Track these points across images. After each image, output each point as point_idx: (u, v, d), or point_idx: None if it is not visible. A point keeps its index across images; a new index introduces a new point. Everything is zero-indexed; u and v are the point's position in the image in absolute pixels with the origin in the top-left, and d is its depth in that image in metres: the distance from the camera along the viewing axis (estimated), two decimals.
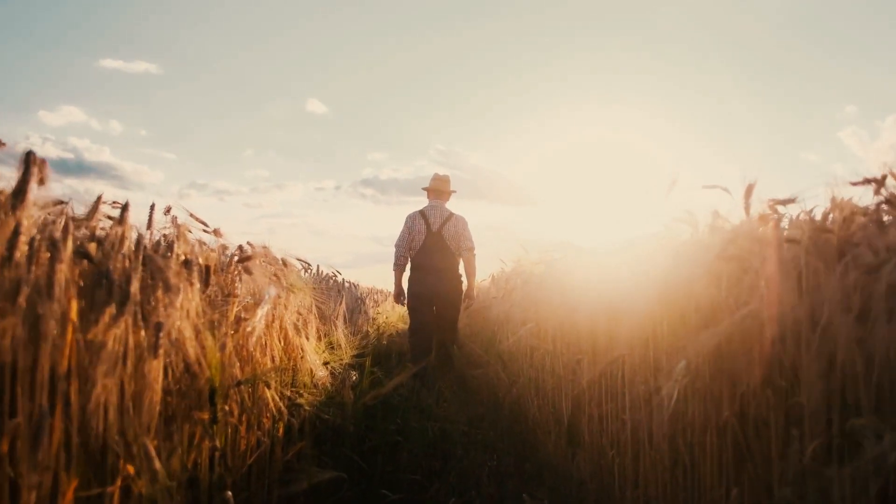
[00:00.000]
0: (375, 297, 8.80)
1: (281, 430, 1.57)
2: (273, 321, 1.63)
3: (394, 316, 6.99)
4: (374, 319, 5.75)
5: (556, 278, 2.13)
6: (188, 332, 0.99)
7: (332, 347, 2.58)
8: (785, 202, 1.03)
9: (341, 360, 2.45)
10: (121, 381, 0.83)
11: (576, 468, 2.01)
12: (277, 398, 1.46)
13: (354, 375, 2.72)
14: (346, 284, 4.55)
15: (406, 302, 3.81)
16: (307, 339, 2.04)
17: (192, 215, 1.59)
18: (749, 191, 1.07)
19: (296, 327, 1.61)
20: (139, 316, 0.93)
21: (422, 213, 3.72)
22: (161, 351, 0.89)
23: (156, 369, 0.88)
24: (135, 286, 0.94)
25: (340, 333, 2.56)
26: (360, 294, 6.03)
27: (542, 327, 2.21)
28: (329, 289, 3.19)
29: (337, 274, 3.83)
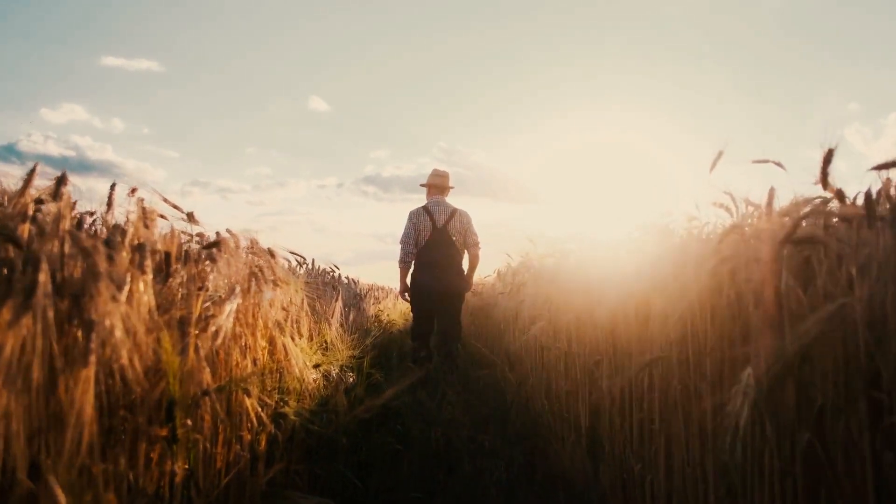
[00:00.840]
0: (376, 293, 8.61)
1: (263, 444, 1.38)
2: (255, 319, 1.44)
3: (395, 313, 6.80)
4: (375, 317, 5.56)
5: (570, 272, 1.93)
6: (140, 332, 0.80)
7: (327, 347, 2.39)
8: None
9: (336, 361, 2.26)
10: (32, 398, 0.63)
11: (596, 480, 1.81)
12: (258, 407, 1.27)
13: (352, 377, 2.52)
14: (345, 280, 4.36)
15: (409, 297, 3.75)
16: (298, 338, 1.85)
17: (164, 199, 1.40)
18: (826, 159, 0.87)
19: (281, 326, 1.42)
20: (69, 313, 0.74)
21: (426, 209, 3.67)
22: (92, 357, 0.70)
23: (85, 380, 0.69)
24: (64, 274, 0.74)
25: (335, 332, 2.37)
26: (360, 290, 5.85)
27: (555, 325, 2.02)
28: (325, 284, 3.00)
29: (334, 269, 3.63)
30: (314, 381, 1.50)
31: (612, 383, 1.50)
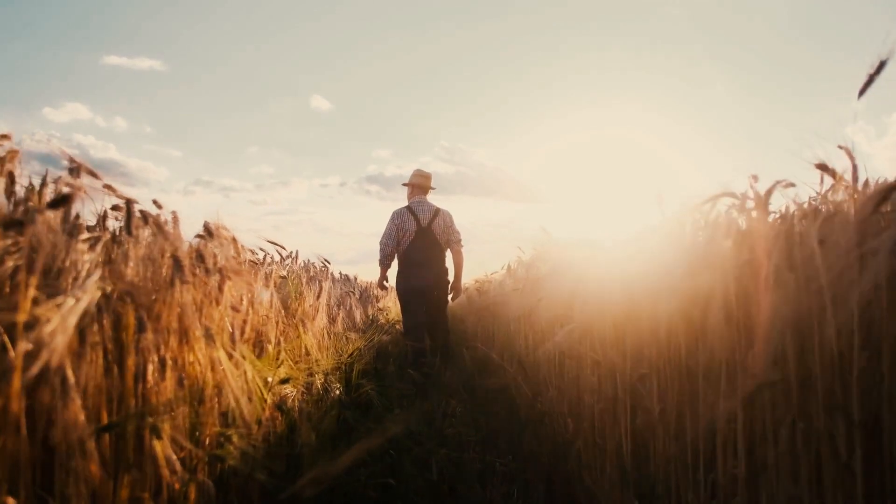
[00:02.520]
0: (377, 293, 8.20)
1: (192, 498, 0.97)
2: (186, 324, 1.04)
3: (394, 312, 6.40)
4: (371, 318, 5.16)
5: (608, 265, 1.53)
6: None
7: (309, 353, 1.99)
8: None
9: (317, 370, 1.86)
10: None
11: None
12: (172, 452, 0.86)
13: (338, 390, 2.13)
14: (339, 276, 3.96)
15: (398, 297, 3.83)
16: (259, 346, 1.45)
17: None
18: None
19: (210, 334, 1.01)
20: None
21: (409, 209, 3.71)
22: None
23: None
24: None
25: (316, 336, 1.96)
26: (359, 287, 5.45)
27: (587, 329, 1.61)
28: (310, 280, 2.60)
29: (325, 263, 3.23)
30: (264, 407, 1.09)
31: (721, 412, 1.09)
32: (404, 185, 3.89)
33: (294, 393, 1.51)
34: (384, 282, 3.84)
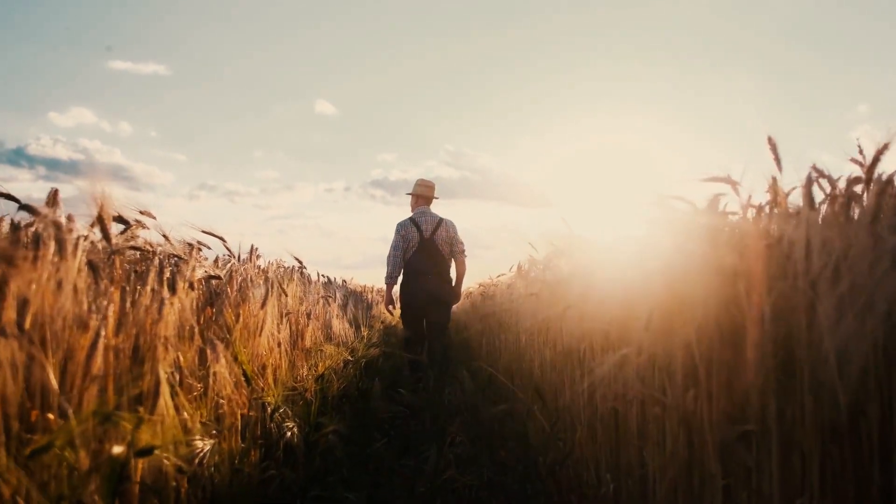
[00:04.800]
0: (376, 296, 7.66)
1: None
2: None
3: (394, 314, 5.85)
4: (371, 319, 4.61)
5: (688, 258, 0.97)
6: None
7: (249, 381, 1.47)
8: None
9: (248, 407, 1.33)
10: None
11: None
12: None
13: (292, 429, 1.60)
14: (319, 279, 3.42)
15: (401, 307, 3.77)
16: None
17: None
18: None
19: None
20: None
21: (412, 220, 3.73)
22: None
23: None
24: None
25: (242, 360, 1.45)
26: (351, 291, 4.91)
27: (651, 357, 1.05)
28: (268, 283, 2.07)
29: (299, 264, 2.67)
30: None
31: None
32: (408, 194, 3.88)
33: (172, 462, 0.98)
34: (392, 301, 3.86)
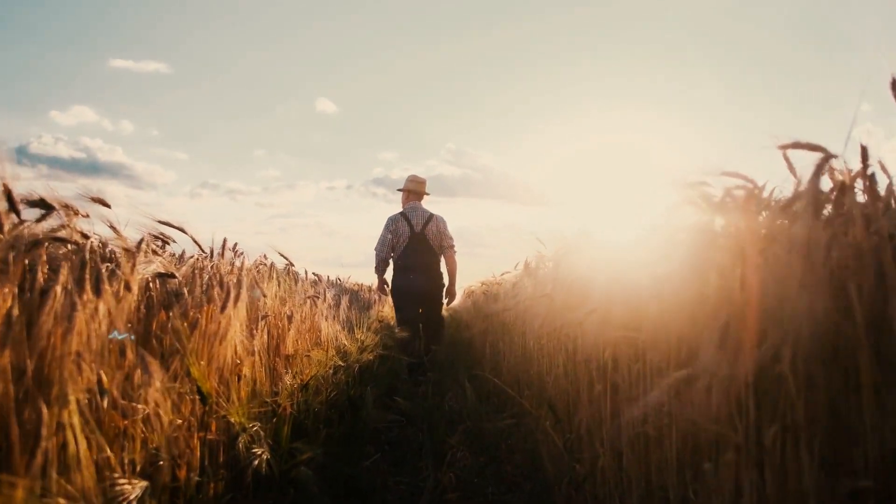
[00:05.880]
0: (374, 296, 7.39)
1: None
2: None
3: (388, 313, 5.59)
4: (368, 320, 4.36)
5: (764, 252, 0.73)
6: None
7: (205, 399, 1.23)
8: None
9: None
10: None
11: None
12: None
13: (260, 455, 1.35)
14: (308, 277, 3.16)
15: (393, 301, 3.83)
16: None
17: None
18: None
19: None
20: None
21: (403, 215, 3.75)
22: None
23: None
24: None
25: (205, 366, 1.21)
26: (348, 289, 4.67)
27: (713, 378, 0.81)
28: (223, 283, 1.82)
29: (289, 262, 2.42)
30: None
31: None
32: (399, 190, 3.91)
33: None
34: (384, 286, 3.88)
